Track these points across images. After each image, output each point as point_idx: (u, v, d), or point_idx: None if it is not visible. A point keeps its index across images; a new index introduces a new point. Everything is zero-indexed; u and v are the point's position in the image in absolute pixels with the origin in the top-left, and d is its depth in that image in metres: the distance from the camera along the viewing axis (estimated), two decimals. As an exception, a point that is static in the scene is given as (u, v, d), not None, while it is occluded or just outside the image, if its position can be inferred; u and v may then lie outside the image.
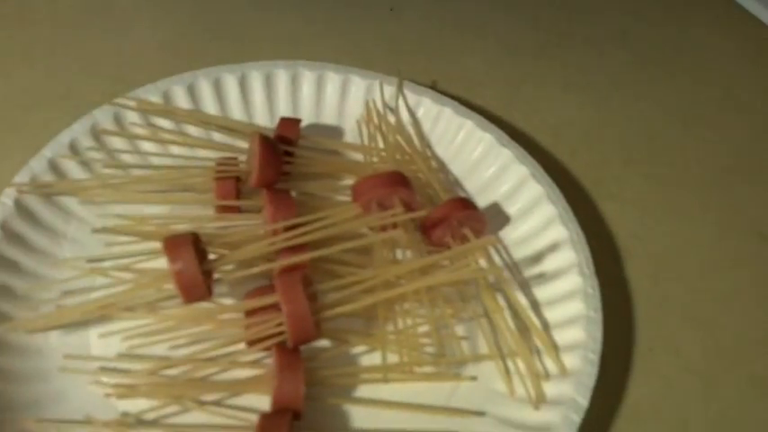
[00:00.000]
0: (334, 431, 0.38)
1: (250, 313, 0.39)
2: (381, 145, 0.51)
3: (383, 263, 0.42)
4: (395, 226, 0.43)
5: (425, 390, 0.40)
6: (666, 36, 0.68)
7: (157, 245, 0.38)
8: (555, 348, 0.41)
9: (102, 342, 0.40)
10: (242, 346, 0.39)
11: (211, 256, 0.39)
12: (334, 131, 0.53)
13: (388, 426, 0.39)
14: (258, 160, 0.43)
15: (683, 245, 0.50)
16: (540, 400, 0.39)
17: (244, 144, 0.48)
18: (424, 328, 0.41)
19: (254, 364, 0.39)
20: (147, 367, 0.38)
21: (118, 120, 0.49)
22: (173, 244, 0.37)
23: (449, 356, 0.41)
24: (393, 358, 0.40)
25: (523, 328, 0.42)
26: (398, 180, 0.44)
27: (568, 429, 0.36)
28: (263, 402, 0.37)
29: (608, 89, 0.61)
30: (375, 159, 0.50)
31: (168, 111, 0.49)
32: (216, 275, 0.39)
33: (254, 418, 0.35)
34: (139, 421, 0.37)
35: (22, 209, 0.43)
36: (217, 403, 0.38)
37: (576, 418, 0.37)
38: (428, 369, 0.40)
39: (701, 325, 0.46)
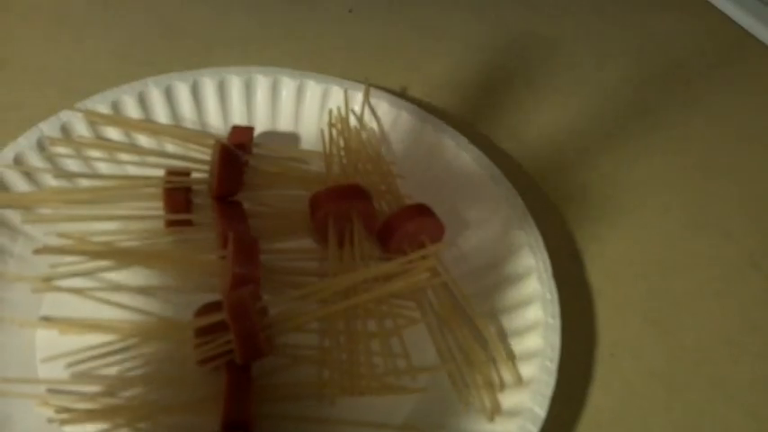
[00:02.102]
0: (287, 450, 0.37)
1: (199, 331, 0.38)
2: (341, 152, 0.49)
3: (337, 273, 0.41)
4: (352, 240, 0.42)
5: (381, 404, 0.39)
6: (630, 33, 0.68)
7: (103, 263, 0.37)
8: (511, 357, 0.40)
9: (47, 364, 0.39)
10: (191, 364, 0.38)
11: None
12: (290, 138, 0.52)
13: (342, 443, 0.38)
14: (218, 171, 0.43)
15: (645, 246, 0.49)
16: (495, 412, 0.38)
17: (196, 154, 0.47)
18: (375, 342, 0.40)
19: (204, 382, 0.38)
20: (91, 390, 0.37)
21: (66, 132, 0.47)
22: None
23: (400, 370, 0.40)
24: (342, 374, 0.39)
25: (480, 337, 0.41)
26: (357, 193, 0.43)
27: (526, 441, 0.36)
28: (213, 422, 0.36)
29: (570, 88, 0.61)
30: (337, 169, 0.49)
31: (117, 121, 0.48)
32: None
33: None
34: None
35: (-36, 226, 0.42)
36: (164, 424, 0.37)
37: (534, 429, 0.36)
38: (381, 383, 0.40)
39: (664, 328, 0.45)
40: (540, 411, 0.37)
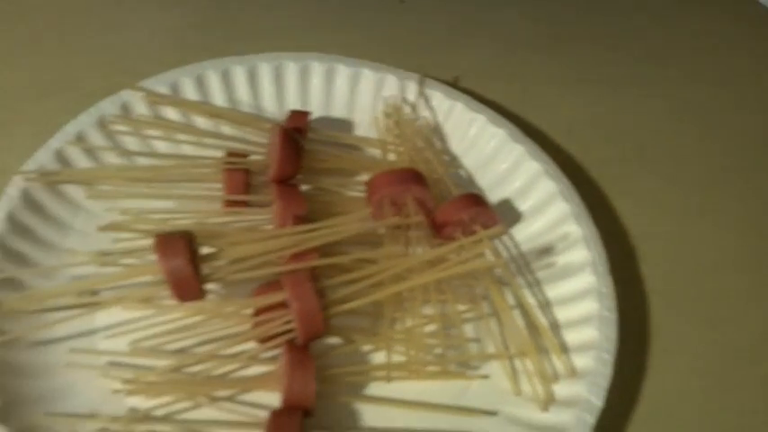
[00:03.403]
0: (345, 429, 0.38)
1: (258, 310, 0.38)
2: (396, 140, 0.50)
3: (392, 257, 0.41)
4: (408, 227, 0.42)
5: (437, 388, 0.39)
6: (681, 33, 0.67)
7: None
8: (563, 349, 0.41)
9: (110, 337, 0.39)
10: (251, 343, 0.38)
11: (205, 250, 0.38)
12: (344, 125, 0.52)
13: (398, 424, 0.38)
14: (278, 154, 0.43)
15: (698, 244, 0.49)
16: (548, 402, 0.38)
17: (253, 137, 0.48)
18: (431, 328, 0.40)
19: (265, 360, 0.39)
20: (157, 365, 0.38)
21: (125, 111, 0.48)
22: (165, 242, 0.36)
23: (455, 356, 0.41)
24: (399, 357, 0.39)
25: (534, 328, 0.41)
26: (413, 177, 0.43)
27: (582, 430, 0.36)
28: (272, 399, 0.37)
29: (622, 85, 0.60)
30: (392, 156, 0.49)
31: (177, 102, 0.49)
32: (217, 276, 0.38)
33: (265, 414, 0.35)
34: (148, 417, 0.37)
35: (28, 200, 0.43)
36: (226, 400, 0.38)
37: (590, 419, 0.36)
38: (437, 368, 0.40)
39: (717, 327, 0.45)
40: (597, 402, 0.37)
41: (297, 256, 0.39)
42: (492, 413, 0.39)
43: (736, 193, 0.53)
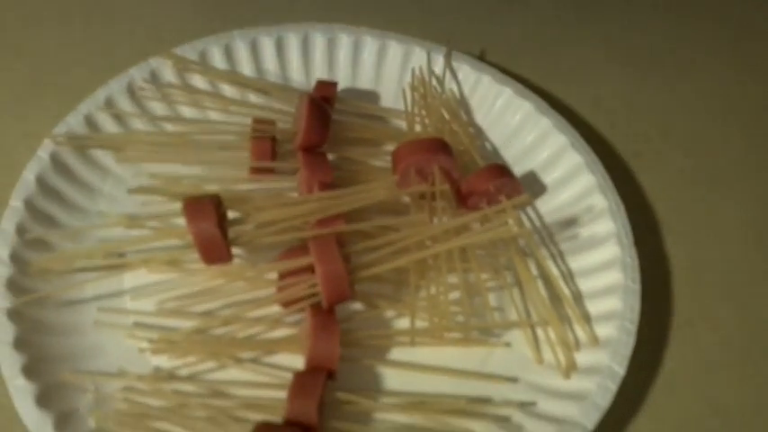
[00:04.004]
0: (368, 392, 0.38)
1: (283, 275, 0.38)
2: (422, 112, 0.50)
3: (416, 225, 0.42)
4: (433, 196, 0.42)
5: (459, 354, 0.40)
6: (713, 12, 0.67)
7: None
8: (585, 318, 0.41)
9: (136, 298, 0.40)
10: (275, 306, 0.39)
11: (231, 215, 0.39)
12: (370, 96, 0.52)
13: (421, 388, 0.39)
14: (305, 122, 0.43)
15: (722, 220, 0.49)
16: (570, 370, 0.38)
17: (279, 105, 0.48)
18: (454, 295, 0.40)
19: (289, 323, 0.39)
20: (183, 326, 0.38)
21: (154, 78, 0.48)
22: (193, 205, 0.37)
23: (477, 323, 0.41)
24: (423, 324, 0.40)
25: (557, 298, 0.41)
26: (439, 147, 0.43)
27: (604, 397, 0.36)
28: (296, 361, 0.37)
29: (650, 62, 0.60)
30: (418, 128, 0.49)
31: (206, 70, 0.49)
32: (243, 240, 0.39)
33: (289, 376, 0.35)
34: (172, 376, 0.37)
35: (58, 163, 0.43)
36: (251, 361, 0.38)
37: (613, 386, 0.37)
38: (460, 335, 0.40)
39: (740, 301, 0.45)
40: (620, 369, 0.37)
41: (323, 222, 0.39)
42: (513, 380, 0.39)
43: (761, 170, 0.53)
